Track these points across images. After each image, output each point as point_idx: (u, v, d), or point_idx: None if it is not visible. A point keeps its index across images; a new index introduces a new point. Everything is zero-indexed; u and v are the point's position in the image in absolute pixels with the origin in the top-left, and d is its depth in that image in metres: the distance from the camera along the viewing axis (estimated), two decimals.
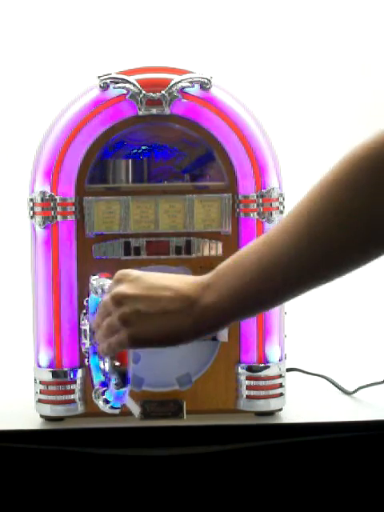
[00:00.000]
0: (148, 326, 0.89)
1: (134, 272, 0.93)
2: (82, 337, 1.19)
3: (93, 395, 1.08)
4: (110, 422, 1.22)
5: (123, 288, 0.91)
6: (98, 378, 1.11)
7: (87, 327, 1.16)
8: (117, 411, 1.06)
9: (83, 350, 1.18)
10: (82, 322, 1.19)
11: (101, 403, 1.06)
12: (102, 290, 1.03)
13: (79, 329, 1.22)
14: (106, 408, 1.06)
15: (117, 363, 1.01)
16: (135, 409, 1.07)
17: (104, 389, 1.06)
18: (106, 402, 1.06)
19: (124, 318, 0.90)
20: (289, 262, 0.83)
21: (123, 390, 1.03)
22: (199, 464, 1.21)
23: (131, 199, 1.22)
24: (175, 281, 0.91)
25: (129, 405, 1.05)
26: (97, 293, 1.06)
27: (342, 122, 2.04)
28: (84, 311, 1.20)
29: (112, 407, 1.05)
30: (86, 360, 1.20)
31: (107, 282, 1.02)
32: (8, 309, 1.81)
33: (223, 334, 1.21)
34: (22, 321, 1.39)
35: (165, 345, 0.91)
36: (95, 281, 1.07)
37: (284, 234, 0.84)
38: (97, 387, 1.08)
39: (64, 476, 1.21)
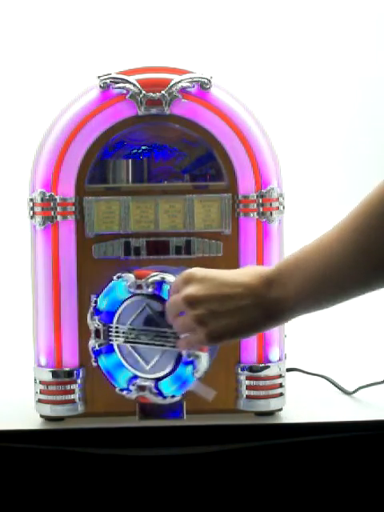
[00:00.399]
0: (223, 324, 0.95)
1: (199, 272, 0.99)
2: (92, 337, 1.20)
3: (136, 392, 1.16)
4: (110, 422, 1.22)
5: (193, 290, 0.97)
6: (125, 375, 1.18)
7: (101, 327, 1.18)
8: (178, 398, 1.16)
9: (92, 349, 1.19)
10: (91, 322, 1.20)
11: (152, 397, 1.16)
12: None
13: (79, 329, 1.22)
14: (160, 399, 1.16)
15: (197, 352, 1.12)
16: (208, 392, 1.14)
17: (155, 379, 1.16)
18: (160, 394, 1.16)
19: (200, 320, 0.96)
20: (346, 268, 0.89)
21: (200, 374, 1.14)
22: (199, 464, 1.21)
23: (131, 199, 1.22)
24: (241, 276, 0.96)
25: (201, 390, 1.14)
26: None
27: (341, 122, 2.04)
28: (91, 311, 1.20)
29: (172, 396, 1.16)
30: (93, 360, 1.20)
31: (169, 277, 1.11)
32: (8, 309, 1.82)
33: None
34: (22, 321, 1.39)
35: (239, 338, 1.00)
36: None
37: (339, 243, 0.89)
38: (148, 384, 1.16)
39: (64, 476, 1.21)
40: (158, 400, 1.17)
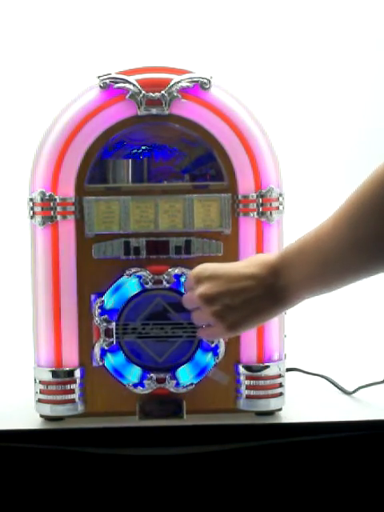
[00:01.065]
0: (239, 316, 1.03)
1: (208, 269, 1.06)
2: (101, 337, 1.20)
3: (153, 385, 1.22)
4: (110, 422, 1.22)
5: (206, 288, 1.04)
6: (136, 371, 1.22)
7: (113, 326, 1.21)
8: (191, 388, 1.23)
9: (101, 348, 1.21)
10: (99, 322, 1.20)
11: (173, 388, 1.22)
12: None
13: (79, 329, 1.23)
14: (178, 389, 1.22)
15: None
16: (224, 377, 1.22)
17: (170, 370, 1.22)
18: (177, 384, 1.22)
19: (217, 315, 1.04)
20: (343, 256, 0.94)
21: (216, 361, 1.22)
22: (199, 464, 1.21)
23: (131, 199, 1.22)
24: (249, 268, 1.02)
25: (217, 376, 1.22)
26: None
27: (341, 122, 2.04)
28: (98, 310, 1.21)
29: (190, 384, 1.23)
30: (97, 360, 1.21)
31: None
32: (8, 308, 1.82)
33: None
34: (22, 320, 1.39)
35: (255, 326, 1.07)
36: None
37: (335, 231, 0.94)
38: (164, 375, 1.22)
39: (64, 476, 1.21)
40: (179, 390, 1.23)
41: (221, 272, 1.05)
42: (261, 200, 1.21)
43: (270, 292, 1.01)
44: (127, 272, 1.22)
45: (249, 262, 1.05)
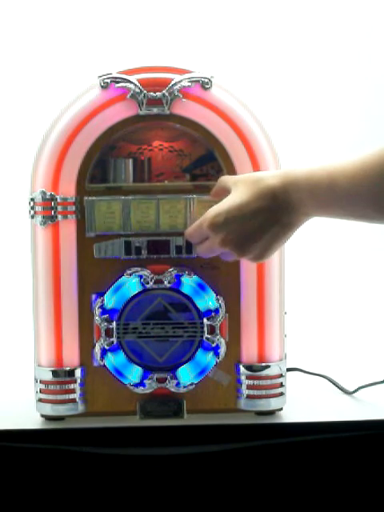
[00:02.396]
0: (260, 249, 1.10)
1: (220, 216, 1.10)
2: (102, 336, 1.21)
3: (154, 384, 1.22)
4: (110, 422, 1.22)
5: (224, 236, 1.10)
6: (137, 371, 1.21)
7: (114, 326, 1.21)
8: (192, 387, 1.23)
9: (102, 348, 1.21)
10: (100, 322, 1.20)
11: (173, 387, 1.23)
12: None
13: (80, 328, 1.23)
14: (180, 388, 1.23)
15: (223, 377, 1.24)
16: (225, 378, 1.23)
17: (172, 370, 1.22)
18: (177, 384, 1.22)
19: (243, 254, 1.11)
20: (362, 202, 1.00)
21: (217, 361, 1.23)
22: (199, 464, 1.21)
23: (132, 199, 1.22)
24: (257, 202, 1.07)
25: (218, 376, 1.23)
26: None
27: (342, 121, 2.04)
28: (98, 310, 1.21)
29: (191, 384, 1.23)
30: (98, 359, 1.21)
31: None
32: (8, 308, 1.82)
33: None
34: (23, 320, 1.39)
35: (279, 247, 1.12)
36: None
37: (356, 179, 1.00)
38: (165, 375, 1.22)
39: (64, 476, 1.21)
40: (180, 389, 1.23)
41: (232, 216, 1.09)
42: None
43: (280, 221, 1.07)
44: (128, 272, 1.22)
45: (253, 194, 1.08)
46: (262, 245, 1.09)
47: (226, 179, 1.16)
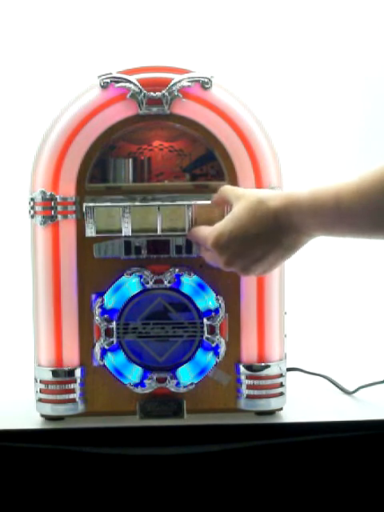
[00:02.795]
0: (261, 269, 1.11)
1: (223, 237, 1.10)
2: (102, 336, 1.21)
3: (154, 384, 1.22)
4: (110, 422, 1.22)
5: (228, 258, 1.11)
6: (137, 371, 1.22)
7: (113, 326, 1.21)
8: (192, 387, 1.23)
9: (102, 348, 1.22)
10: (100, 322, 1.20)
11: (173, 387, 1.23)
12: None
13: (80, 328, 1.23)
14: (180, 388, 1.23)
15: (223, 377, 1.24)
16: (225, 378, 1.23)
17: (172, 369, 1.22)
18: (177, 384, 1.22)
19: (244, 272, 1.12)
20: (368, 219, 0.99)
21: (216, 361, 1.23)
22: (199, 464, 1.21)
23: (132, 199, 1.21)
24: (259, 228, 1.07)
25: (218, 376, 1.23)
26: None
27: (342, 121, 2.04)
28: (98, 310, 1.21)
29: (191, 384, 1.23)
30: (97, 359, 1.21)
31: None
32: (8, 308, 1.82)
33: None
34: (23, 320, 1.39)
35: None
36: None
37: (362, 195, 0.98)
38: (165, 375, 1.22)
39: (64, 476, 1.21)
40: (180, 389, 1.23)
41: (234, 237, 1.09)
42: None
43: (280, 246, 1.08)
44: (128, 271, 1.22)
45: (256, 217, 1.08)
46: (265, 266, 1.10)
47: (228, 191, 1.16)
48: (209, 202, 1.20)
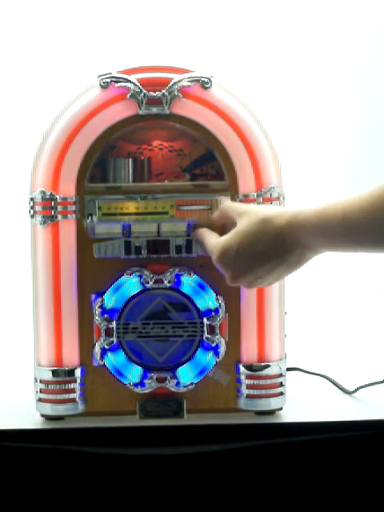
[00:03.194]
0: (266, 283, 1.13)
1: (228, 254, 1.10)
2: (102, 336, 1.21)
3: (154, 384, 1.22)
4: (110, 422, 1.22)
5: (234, 274, 1.11)
6: (137, 371, 1.21)
7: (113, 325, 1.21)
8: (191, 387, 1.23)
9: (101, 348, 1.22)
10: (100, 321, 1.20)
11: (173, 387, 1.23)
12: None
13: (80, 328, 1.23)
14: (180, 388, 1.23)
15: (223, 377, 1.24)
16: (225, 377, 1.23)
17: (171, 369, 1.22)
18: (177, 384, 1.22)
19: (250, 287, 1.14)
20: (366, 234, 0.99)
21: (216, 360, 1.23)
22: (199, 464, 1.21)
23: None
24: (267, 246, 1.07)
25: (218, 376, 1.23)
26: None
27: (342, 121, 2.04)
28: (98, 310, 1.21)
29: (191, 384, 1.23)
30: (97, 359, 1.21)
31: None
32: (8, 308, 1.82)
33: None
34: (23, 320, 1.39)
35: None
36: None
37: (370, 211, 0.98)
38: (165, 375, 1.22)
39: (64, 476, 1.21)
40: (180, 389, 1.23)
41: (242, 254, 1.09)
42: (261, 199, 1.21)
43: (287, 261, 1.08)
44: (128, 271, 1.22)
45: (263, 235, 1.08)
46: (270, 280, 1.11)
47: (229, 208, 1.16)
48: (209, 194, 1.20)
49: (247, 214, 1.10)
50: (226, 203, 1.18)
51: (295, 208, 1.07)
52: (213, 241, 1.14)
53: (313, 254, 1.07)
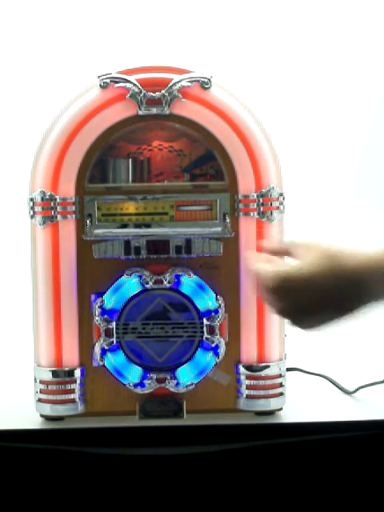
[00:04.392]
0: (322, 326, 1.01)
1: (287, 285, 0.98)
2: (101, 336, 1.21)
3: (153, 385, 1.22)
4: (110, 422, 1.22)
5: (288, 310, 1.00)
6: (136, 371, 1.21)
7: (113, 326, 1.21)
8: (191, 387, 1.23)
9: (101, 348, 1.22)
10: (100, 322, 1.20)
11: (173, 387, 1.22)
12: None
13: (79, 328, 1.23)
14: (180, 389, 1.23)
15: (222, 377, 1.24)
16: (225, 378, 1.23)
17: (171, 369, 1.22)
18: (177, 384, 1.22)
19: (293, 325, 1.03)
20: None
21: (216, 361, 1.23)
22: (199, 464, 1.21)
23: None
24: (331, 298, 0.97)
25: (218, 376, 1.23)
26: None
27: (342, 121, 2.04)
28: (98, 310, 1.21)
29: (190, 384, 1.23)
30: (97, 359, 1.21)
31: None
32: (8, 308, 1.82)
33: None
34: (23, 320, 1.39)
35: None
36: None
37: None
38: (164, 375, 1.22)
39: (64, 476, 1.21)
40: (180, 389, 1.22)
41: (300, 293, 0.99)
42: (261, 200, 1.21)
43: (349, 311, 0.98)
44: (127, 272, 1.22)
45: (327, 278, 0.97)
46: (318, 324, 1.01)
47: (289, 242, 1.06)
48: (209, 195, 1.21)
49: (315, 250, 1.00)
50: (293, 240, 1.07)
51: (370, 250, 0.97)
52: (270, 268, 1.01)
53: (377, 304, 0.98)
